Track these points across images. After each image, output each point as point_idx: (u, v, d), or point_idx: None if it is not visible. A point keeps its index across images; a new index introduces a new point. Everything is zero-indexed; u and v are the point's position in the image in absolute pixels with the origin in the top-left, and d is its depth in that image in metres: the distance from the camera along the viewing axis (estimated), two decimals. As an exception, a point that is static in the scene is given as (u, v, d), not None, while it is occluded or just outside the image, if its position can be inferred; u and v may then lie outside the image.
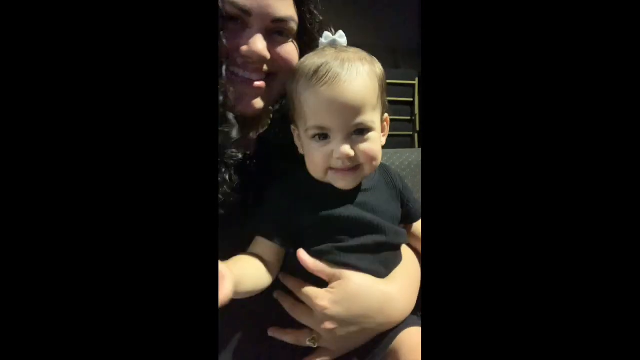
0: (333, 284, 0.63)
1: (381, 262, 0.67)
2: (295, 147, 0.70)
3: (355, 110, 0.61)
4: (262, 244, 0.65)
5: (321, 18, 0.75)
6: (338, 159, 0.62)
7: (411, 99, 3.89)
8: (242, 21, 0.66)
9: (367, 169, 0.65)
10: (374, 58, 0.67)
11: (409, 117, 3.90)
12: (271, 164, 0.72)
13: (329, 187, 0.66)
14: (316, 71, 0.62)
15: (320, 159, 0.64)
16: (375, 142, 0.64)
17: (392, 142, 1.34)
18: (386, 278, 0.67)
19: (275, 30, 0.69)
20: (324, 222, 0.64)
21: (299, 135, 0.68)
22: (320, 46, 0.68)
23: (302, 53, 0.72)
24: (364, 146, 0.62)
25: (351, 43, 0.70)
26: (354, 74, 0.62)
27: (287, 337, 0.65)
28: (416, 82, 3.89)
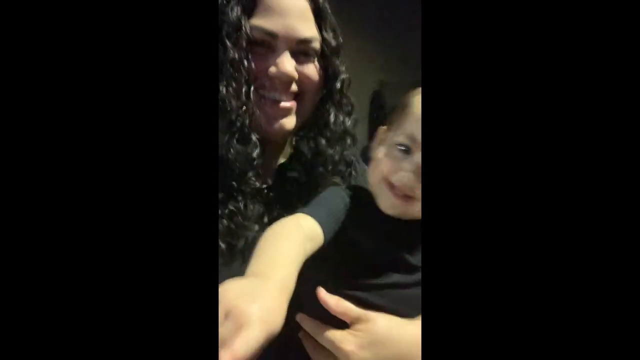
0: (358, 326, 0.57)
1: (409, 300, 0.61)
2: (312, 184, 0.70)
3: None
4: (307, 220, 0.58)
5: (342, 41, 0.76)
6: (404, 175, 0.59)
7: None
8: (268, 44, 0.68)
9: (417, 209, 0.60)
10: None
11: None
12: (291, 197, 0.71)
13: (378, 212, 0.62)
14: None
15: (389, 168, 0.61)
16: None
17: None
18: (415, 318, 0.61)
19: (300, 51, 0.71)
20: (363, 251, 0.61)
21: (383, 139, 0.66)
22: None
23: (325, 73, 0.74)
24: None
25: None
26: None
27: None
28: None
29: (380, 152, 0.65)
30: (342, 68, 0.77)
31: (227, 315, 0.35)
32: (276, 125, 0.69)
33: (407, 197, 0.61)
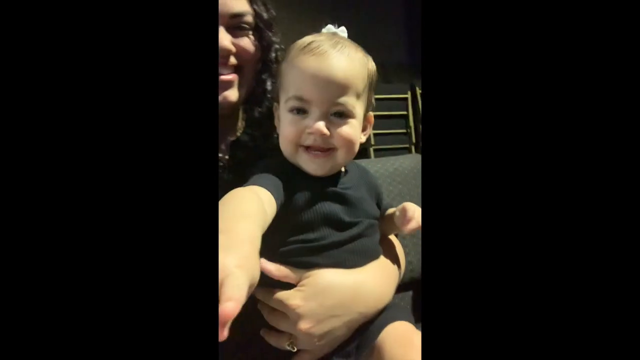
0: (302, 282, 0.62)
1: (354, 252, 0.65)
2: (274, 152, 0.70)
3: (338, 88, 0.61)
4: (260, 191, 0.58)
5: (274, 13, 0.80)
6: (310, 133, 0.61)
7: (405, 112, 3.94)
8: None
9: (340, 156, 0.64)
10: (370, 56, 0.68)
11: (404, 130, 3.95)
12: (247, 171, 0.71)
13: (310, 179, 0.64)
14: (309, 44, 0.63)
15: (294, 133, 0.62)
16: (353, 129, 0.63)
17: (389, 155, 1.34)
18: (358, 268, 0.66)
19: (235, 26, 0.73)
20: (299, 216, 0.62)
21: (279, 115, 0.67)
22: None
23: (260, 45, 0.77)
24: (341, 129, 0.62)
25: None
26: (344, 55, 0.62)
27: (271, 340, 0.63)
28: (409, 95, 3.96)
29: (281, 123, 0.66)
30: (275, 39, 0.80)
31: None
32: (220, 98, 0.72)
33: (326, 151, 0.63)
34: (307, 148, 0.63)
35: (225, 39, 0.71)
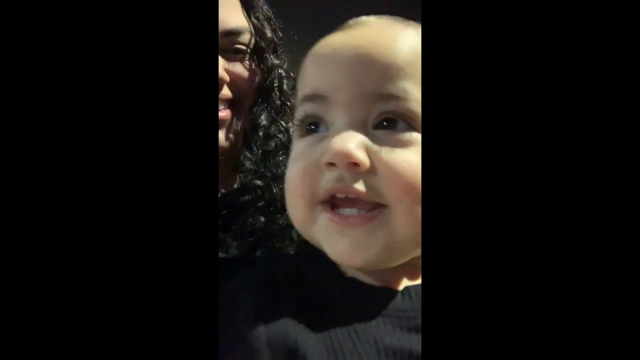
0: None
1: None
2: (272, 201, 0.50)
3: (384, 67, 0.33)
4: None
5: (280, 34, 0.64)
6: (328, 164, 0.32)
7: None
8: None
9: (400, 220, 0.34)
10: None
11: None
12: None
13: (339, 294, 0.35)
14: (341, 25, 0.38)
15: (303, 172, 0.35)
16: (418, 158, 0.35)
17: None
18: None
19: (229, 47, 0.58)
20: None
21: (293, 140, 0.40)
22: None
23: (260, 73, 0.60)
24: (396, 157, 0.33)
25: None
26: (395, 30, 0.36)
27: None
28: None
29: (289, 161, 0.38)
30: (278, 62, 0.62)
31: None
32: None
33: (370, 208, 0.34)
34: (330, 204, 0.35)
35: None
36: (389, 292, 0.37)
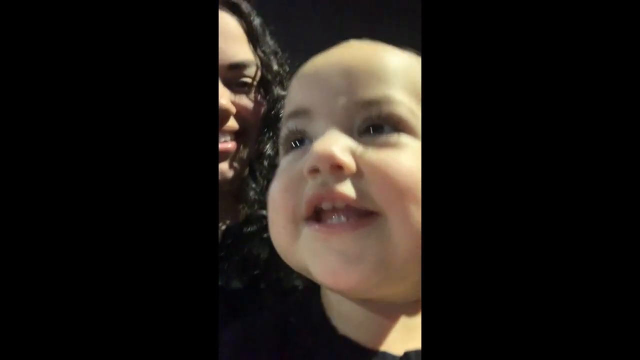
0: None
1: None
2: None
3: (366, 74, 0.33)
4: None
5: (287, 68, 0.64)
6: (312, 170, 0.31)
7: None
8: None
9: (395, 229, 0.32)
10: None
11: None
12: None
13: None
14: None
15: (285, 187, 0.34)
16: (410, 160, 0.33)
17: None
18: None
19: (235, 80, 0.59)
20: None
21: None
22: None
23: (267, 105, 0.61)
24: (383, 157, 0.31)
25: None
26: (379, 47, 0.36)
27: None
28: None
29: (273, 181, 0.37)
30: (283, 93, 0.61)
31: None
32: None
33: (359, 216, 0.31)
34: (315, 219, 0.32)
35: (223, 96, 0.56)
36: (386, 357, 0.33)
